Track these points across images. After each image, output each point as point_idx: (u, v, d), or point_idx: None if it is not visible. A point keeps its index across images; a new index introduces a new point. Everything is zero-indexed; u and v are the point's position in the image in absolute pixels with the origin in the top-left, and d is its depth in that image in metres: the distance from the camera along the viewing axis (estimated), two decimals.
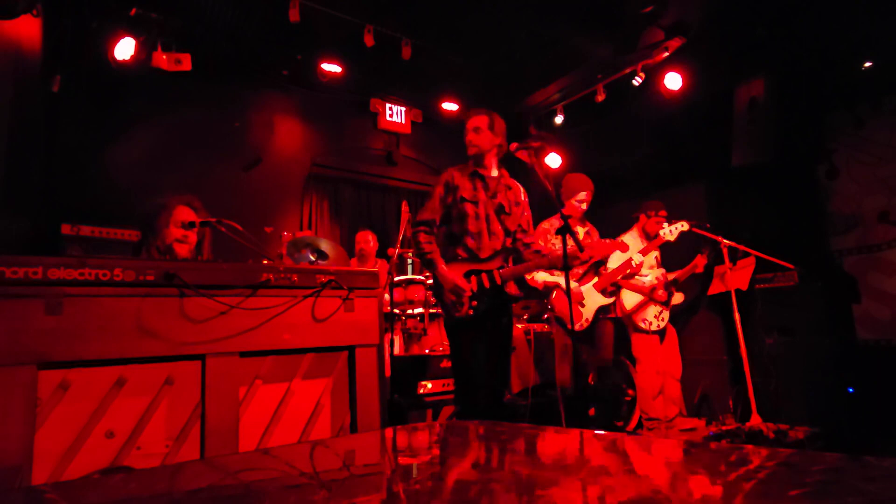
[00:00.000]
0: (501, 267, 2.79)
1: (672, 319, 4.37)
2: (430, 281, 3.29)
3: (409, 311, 4.19)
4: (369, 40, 4.56)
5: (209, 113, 5.01)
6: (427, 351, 4.02)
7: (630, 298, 4.28)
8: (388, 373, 3.59)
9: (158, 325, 1.60)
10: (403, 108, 6.16)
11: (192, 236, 2.44)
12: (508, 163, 2.98)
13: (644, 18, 4.55)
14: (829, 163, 5.24)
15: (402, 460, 1.05)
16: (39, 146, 3.93)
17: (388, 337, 3.74)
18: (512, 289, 2.82)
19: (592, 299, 3.67)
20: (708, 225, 4.30)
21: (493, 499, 0.68)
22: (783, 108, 4.77)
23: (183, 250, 2.40)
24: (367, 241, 4.75)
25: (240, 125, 5.22)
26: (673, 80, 5.06)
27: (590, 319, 3.71)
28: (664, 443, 1.25)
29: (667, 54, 4.94)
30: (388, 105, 6.06)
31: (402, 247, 4.11)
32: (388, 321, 3.81)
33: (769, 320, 4.45)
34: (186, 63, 4.26)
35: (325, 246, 4.08)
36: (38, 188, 3.88)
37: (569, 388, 3.59)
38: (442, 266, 2.71)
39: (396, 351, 3.92)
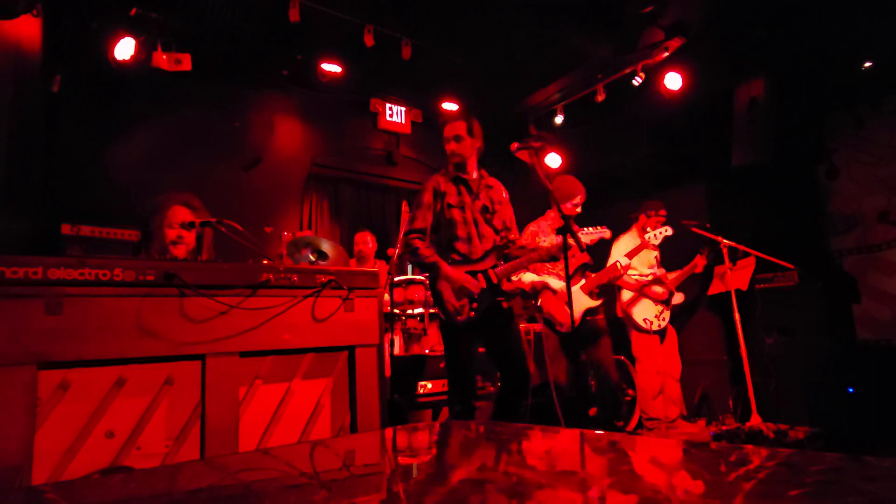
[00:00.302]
0: (495, 265, 2.82)
1: (672, 319, 4.37)
2: (429, 291, 3.29)
3: (409, 312, 4.19)
4: (369, 40, 4.56)
5: (209, 113, 5.01)
6: (427, 351, 4.02)
7: (627, 295, 4.29)
8: (388, 373, 3.59)
9: (158, 325, 1.60)
10: (403, 108, 6.16)
11: (190, 237, 2.38)
12: (510, 162, 2.99)
13: (644, 18, 4.55)
14: (829, 163, 5.24)
15: (401, 460, 1.05)
16: (39, 146, 3.93)
17: (388, 337, 3.74)
18: (508, 286, 2.85)
19: (580, 302, 3.64)
20: (708, 225, 4.30)
21: (494, 499, 0.68)
22: (783, 108, 4.77)
23: (180, 252, 2.34)
24: (366, 241, 4.74)
25: (240, 125, 5.22)
26: (673, 80, 5.06)
27: (577, 321, 3.69)
28: (664, 443, 1.25)
29: (667, 54, 4.94)
30: (388, 105, 6.06)
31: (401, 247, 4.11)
32: (388, 321, 3.81)
33: (769, 320, 4.45)
34: (186, 63, 4.26)
35: (325, 246, 4.07)
36: (38, 188, 3.88)
37: (564, 387, 3.59)
38: (447, 267, 2.74)
39: (396, 351, 3.92)
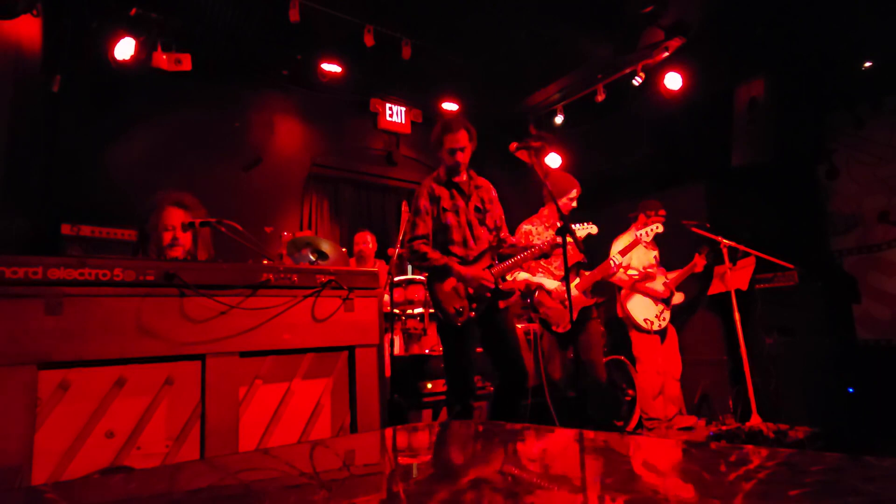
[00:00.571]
0: (491, 265, 2.84)
1: (672, 319, 4.37)
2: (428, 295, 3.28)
3: (409, 311, 4.19)
4: (369, 40, 4.56)
5: (209, 113, 5.01)
6: (427, 351, 4.03)
7: (625, 294, 4.29)
8: (388, 373, 3.59)
9: (158, 325, 1.60)
10: (403, 108, 6.16)
11: (186, 238, 2.35)
12: (509, 162, 2.99)
13: (644, 18, 4.55)
14: (829, 163, 5.24)
15: (401, 460, 1.05)
16: (39, 146, 3.93)
17: (388, 337, 3.74)
18: (505, 285, 2.86)
19: (574, 300, 3.63)
20: (708, 225, 4.30)
21: (493, 499, 0.68)
22: (783, 108, 4.77)
23: (176, 254, 2.32)
24: (366, 241, 4.74)
25: (240, 125, 5.22)
26: (673, 80, 5.06)
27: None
28: (664, 443, 1.25)
29: (667, 54, 4.94)
30: (388, 105, 6.06)
31: (402, 247, 4.11)
32: (388, 321, 3.81)
33: (769, 320, 4.45)
34: (186, 63, 4.26)
35: (325, 246, 4.07)
36: (38, 188, 3.88)
37: (559, 387, 3.59)
38: (458, 267, 2.76)
39: (396, 351, 3.93)
